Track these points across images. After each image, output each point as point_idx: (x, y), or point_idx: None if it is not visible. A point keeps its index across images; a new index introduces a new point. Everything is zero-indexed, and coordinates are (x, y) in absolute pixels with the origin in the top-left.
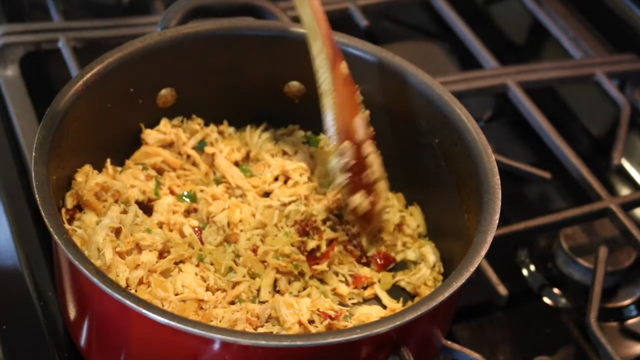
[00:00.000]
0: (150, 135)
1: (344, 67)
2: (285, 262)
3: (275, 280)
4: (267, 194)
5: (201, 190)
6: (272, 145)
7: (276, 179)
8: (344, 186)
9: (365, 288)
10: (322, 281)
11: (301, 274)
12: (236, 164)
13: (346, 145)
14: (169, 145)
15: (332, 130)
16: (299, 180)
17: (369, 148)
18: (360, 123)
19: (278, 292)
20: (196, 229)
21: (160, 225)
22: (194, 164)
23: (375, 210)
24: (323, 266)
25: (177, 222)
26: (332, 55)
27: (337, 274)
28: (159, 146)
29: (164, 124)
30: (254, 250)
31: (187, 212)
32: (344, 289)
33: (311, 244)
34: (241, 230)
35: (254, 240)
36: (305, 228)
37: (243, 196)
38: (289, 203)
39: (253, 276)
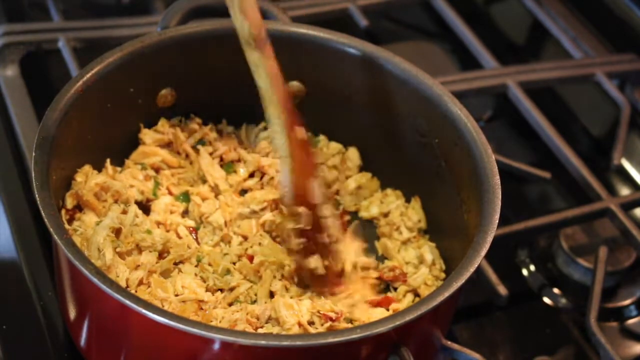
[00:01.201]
0: (147, 135)
1: (300, 131)
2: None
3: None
4: (244, 191)
5: (188, 191)
6: (267, 144)
7: (252, 175)
8: (298, 250)
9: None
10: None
11: (301, 284)
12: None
13: (301, 210)
14: (167, 145)
15: (289, 195)
16: (275, 176)
17: (326, 211)
18: (316, 186)
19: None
20: (191, 229)
21: (158, 225)
22: (192, 162)
23: (331, 274)
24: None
25: (174, 223)
26: (289, 120)
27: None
28: (156, 146)
29: (162, 123)
30: (250, 259)
31: (186, 212)
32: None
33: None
34: (234, 233)
35: (245, 245)
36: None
37: (220, 196)
38: (260, 210)
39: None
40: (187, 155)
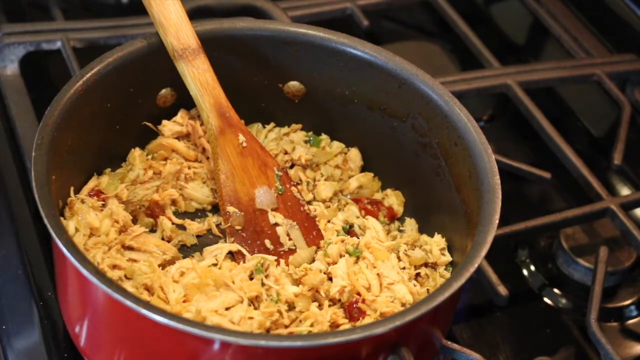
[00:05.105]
0: (166, 127)
1: (237, 138)
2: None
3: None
4: None
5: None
6: (275, 145)
7: None
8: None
9: None
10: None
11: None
12: None
13: (230, 210)
14: (185, 137)
15: (225, 195)
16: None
17: (274, 218)
18: (262, 193)
19: None
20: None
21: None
22: (208, 157)
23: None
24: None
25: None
26: (221, 126)
27: None
28: (175, 137)
29: (181, 115)
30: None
31: None
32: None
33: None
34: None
35: None
36: None
37: None
38: None
39: None
40: (203, 150)
